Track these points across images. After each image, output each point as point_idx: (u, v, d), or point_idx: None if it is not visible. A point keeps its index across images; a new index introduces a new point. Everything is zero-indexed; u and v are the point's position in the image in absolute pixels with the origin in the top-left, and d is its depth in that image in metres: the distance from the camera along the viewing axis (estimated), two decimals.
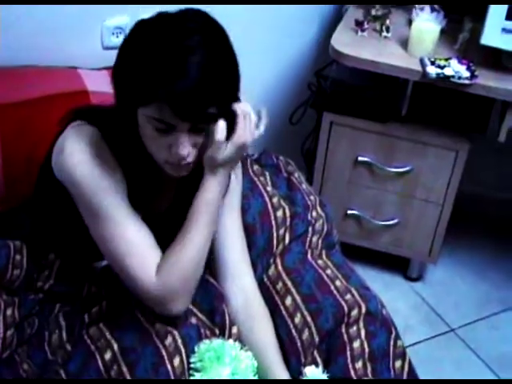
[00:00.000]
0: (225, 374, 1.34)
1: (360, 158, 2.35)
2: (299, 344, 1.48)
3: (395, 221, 2.45)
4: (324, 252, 1.66)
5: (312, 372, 1.40)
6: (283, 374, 1.44)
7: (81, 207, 1.36)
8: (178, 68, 1.21)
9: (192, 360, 1.35)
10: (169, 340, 1.33)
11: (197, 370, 1.35)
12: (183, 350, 1.33)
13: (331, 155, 2.39)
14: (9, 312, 1.38)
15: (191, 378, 1.35)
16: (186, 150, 1.28)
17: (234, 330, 1.48)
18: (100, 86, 2.02)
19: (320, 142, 2.38)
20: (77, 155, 1.33)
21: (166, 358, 1.31)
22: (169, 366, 1.30)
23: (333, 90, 2.34)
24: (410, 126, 2.29)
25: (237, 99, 1.35)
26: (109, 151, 1.36)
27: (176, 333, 1.35)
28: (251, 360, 1.41)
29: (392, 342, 1.51)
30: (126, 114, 1.31)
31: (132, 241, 1.34)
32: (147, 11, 2.14)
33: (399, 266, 2.63)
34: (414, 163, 2.33)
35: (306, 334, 1.48)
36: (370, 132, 2.31)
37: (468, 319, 2.50)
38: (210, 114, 1.27)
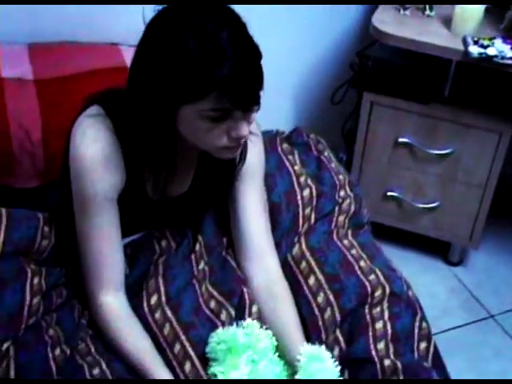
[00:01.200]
0: (242, 361, 1.35)
1: (400, 140, 2.32)
2: (321, 323, 1.47)
3: (436, 204, 2.41)
4: (350, 232, 1.64)
5: (306, 351, 1.38)
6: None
7: (74, 199, 1.41)
8: (217, 52, 1.21)
9: (207, 350, 1.37)
10: (177, 347, 1.38)
11: (213, 360, 1.37)
12: (193, 354, 1.38)
13: (371, 136, 2.37)
14: (36, 281, 1.41)
15: (209, 367, 1.37)
16: (246, 129, 1.30)
17: (254, 308, 1.48)
18: None
19: (360, 123, 2.36)
20: (83, 149, 1.35)
21: (177, 368, 1.36)
22: (181, 375, 1.36)
23: (374, 70, 2.30)
24: (453, 108, 2.24)
25: None
26: (118, 147, 1.37)
27: (184, 338, 1.39)
28: (270, 339, 1.40)
29: (417, 324, 1.49)
30: (163, 114, 1.29)
31: (103, 253, 1.41)
32: None
33: (440, 249, 2.60)
34: (456, 145, 2.28)
35: (328, 313, 1.47)
36: (411, 113, 2.28)
37: (508, 306, 2.45)
38: (258, 94, 1.29)
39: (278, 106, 2.59)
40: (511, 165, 2.42)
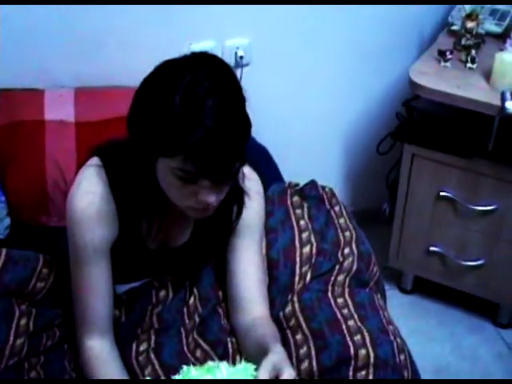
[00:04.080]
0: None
1: (442, 194, 2.25)
2: (296, 373, 1.43)
3: (481, 262, 2.31)
4: (347, 290, 1.60)
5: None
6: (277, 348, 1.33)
7: (68, 247, 1.44)
8: (196, 117, 1.19)
9: None
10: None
11: None
12: None
13: (413, 188, 2.31)
14: (23, 322, 1.46)
15: None
16: (213, 197, 1.29)
17: (237, 358, 1.48)
18: None
19: (402, 175, 2.31)
20: (75, 201, 1.39)
21: None
22: None
23: (416, 121, 2.25)
24: (496, 163, 2.15)
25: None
26: (111, 199, 1.40)
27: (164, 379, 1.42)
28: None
29: None
30: (144, 161, 1.31)
31: (89, 302, 1.43)
32: (233, 36, 2.24)
33: (489, 309, 2.47)
34: (500, 202, 2.19)
35: (305, 365, 1.45)
36: (453, 167, 2.20)
37: None
38: (231, 169, 1.27)
39: (324, 154, 2.59)
40: None
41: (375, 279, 1.70)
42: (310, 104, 2.47)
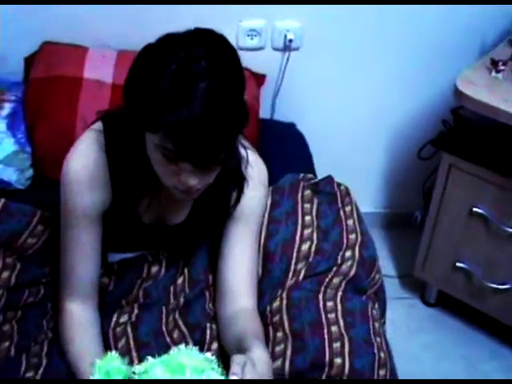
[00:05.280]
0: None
1: (475, 210, 2.15)
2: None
3: (508, 286, 2.20)
4: (340, 294, 1.53)
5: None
6: (259, 352, 1.23)
7: (60, 207, 1.42)
8: (184, 97, 1.13)
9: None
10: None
11: None
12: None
13: (447, 200, 2.21)
14: (4, 274, 1.45)
15: None
16: (195, 181, 1.24)
17: (214, 345, 1.44)
18: None
19: (437, 184, 2.22)
20: (70, 163, 1.37)
21: None
22: None
23: (459, 131, 2.15)
24: None
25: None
26: (105, 165, 1.37)
27: (135, 354, 1.40)
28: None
29: None
30: (134, 132, 1.28)
31: (74, 265, 1.42)
32: (283, 15, 2.18)
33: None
34: None
35: (277, 363, 1.40)
36: (491, 183, 2.10)
37: None
38: (216, 157, 1.21)
39: (364, 150, 2.52)
40: None
41: (375, 288, 1.62)
42: (357, 98, 2.40)
